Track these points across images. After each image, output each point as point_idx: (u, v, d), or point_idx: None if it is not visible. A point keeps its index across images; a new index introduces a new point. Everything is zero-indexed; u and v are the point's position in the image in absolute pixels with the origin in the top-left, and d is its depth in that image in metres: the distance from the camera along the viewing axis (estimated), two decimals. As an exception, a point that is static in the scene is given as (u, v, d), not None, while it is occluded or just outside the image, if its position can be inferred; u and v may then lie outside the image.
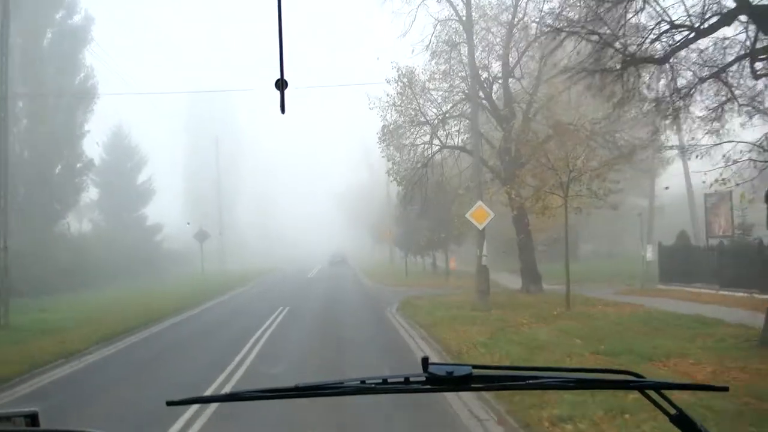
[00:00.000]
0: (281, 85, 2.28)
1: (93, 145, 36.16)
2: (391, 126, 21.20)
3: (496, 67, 22.20)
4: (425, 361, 1.56)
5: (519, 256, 22.05)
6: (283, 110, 2.31)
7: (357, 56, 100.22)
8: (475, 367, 1.54)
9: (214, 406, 7.15)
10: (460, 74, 22.11)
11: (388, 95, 21.10)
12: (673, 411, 1.58)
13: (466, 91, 21.79)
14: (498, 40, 21.59)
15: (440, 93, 22.15)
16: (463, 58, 21.13)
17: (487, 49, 21.34)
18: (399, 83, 20.94)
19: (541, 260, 23.58)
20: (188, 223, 50.92)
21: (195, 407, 7.01)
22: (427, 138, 21.84)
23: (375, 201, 59.50)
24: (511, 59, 21.36)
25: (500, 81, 22.11)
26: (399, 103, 21.16)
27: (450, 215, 23.87)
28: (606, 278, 28.10)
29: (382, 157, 22.31)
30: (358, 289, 29.85)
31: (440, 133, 21.81)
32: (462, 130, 22.18)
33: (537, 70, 20.68)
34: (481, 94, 21.30)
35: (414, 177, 21.45)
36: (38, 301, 24.19)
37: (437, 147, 21.74)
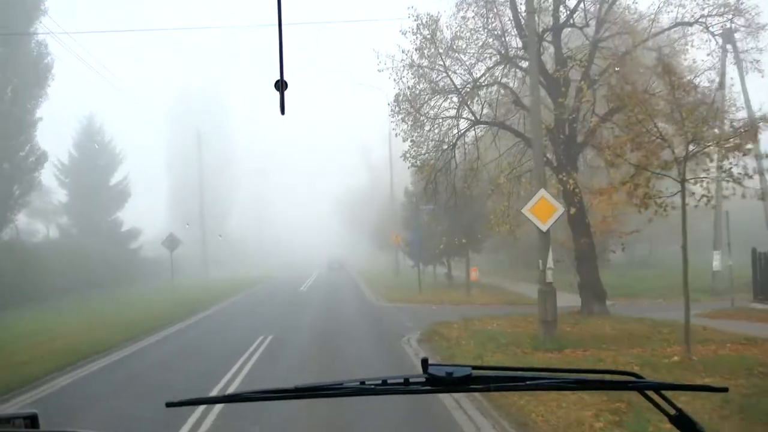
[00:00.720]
0: (281, 86, 2.20)
1: (49, 136, 30.70)
2: (408, 94, 15.79)
3: (543, 18, 16.92)
4: (425, 362, 1.52)
5: (577, 268, 16.69)
6: (282, 111, 2.24)
7: (356, 55, 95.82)
8: (474, 368, 1.50)
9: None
10: (494, 32, 16.93)
11: (404, 52, 15.70)
12: (672, 411, 1.54)
13: (502, 51, 16.57)
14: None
15: (468, 55, 16.88)
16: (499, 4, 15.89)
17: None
18: (418, 35, 15.56)
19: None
20: (187, 225, 47.42)
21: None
22: (453, 111, 16.46)
23: (376, 203, 54.63)
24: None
25: (548, 39, 16.83)
26: (417, 62, 15.75)
27: (485, 212, 18.42)
28: (659, 293, 22.87)
29: (396, 135, 16.68)
30: (362, 308, 23.54)
31: (474, 106, 16.41)
32: (500, 100, 16.77)
33: (600, 12, 15.42)
34: (524, 53, 16.09)
35: (438, 162, 16.08)
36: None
37: (468, 123, 16.35)
